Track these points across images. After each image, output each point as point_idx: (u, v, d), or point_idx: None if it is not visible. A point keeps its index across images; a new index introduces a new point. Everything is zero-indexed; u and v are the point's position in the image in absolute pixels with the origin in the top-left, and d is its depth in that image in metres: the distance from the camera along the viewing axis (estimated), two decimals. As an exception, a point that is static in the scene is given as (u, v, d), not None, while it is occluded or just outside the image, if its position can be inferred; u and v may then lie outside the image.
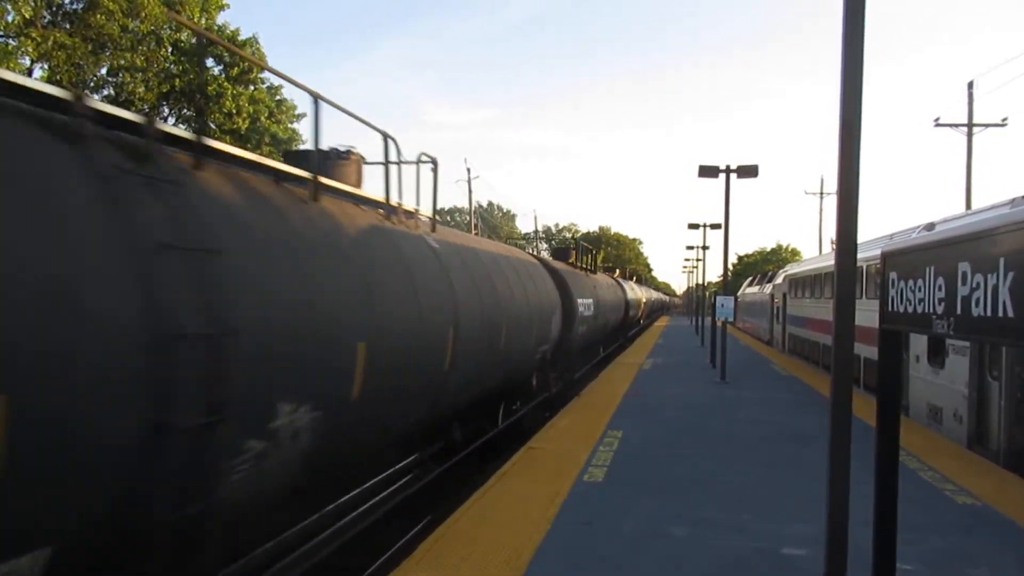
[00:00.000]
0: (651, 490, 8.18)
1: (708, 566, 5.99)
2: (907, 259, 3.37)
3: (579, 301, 18.52)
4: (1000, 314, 2.44)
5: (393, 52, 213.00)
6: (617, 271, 48.06)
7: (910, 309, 3.24)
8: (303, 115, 33.74)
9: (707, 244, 35.22)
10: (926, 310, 3.05)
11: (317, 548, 7.03)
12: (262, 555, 6.24)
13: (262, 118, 30.77)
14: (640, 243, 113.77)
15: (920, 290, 3.11)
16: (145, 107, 28.62)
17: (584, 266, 24.09)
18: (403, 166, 8.38)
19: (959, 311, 2.74)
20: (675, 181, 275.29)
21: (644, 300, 52.03)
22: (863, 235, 4.51)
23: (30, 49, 22.21)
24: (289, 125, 32.95)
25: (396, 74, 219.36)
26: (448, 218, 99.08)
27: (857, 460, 4.23)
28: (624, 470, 9.07)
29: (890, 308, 3.54)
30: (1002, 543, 6.67)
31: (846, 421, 4.43)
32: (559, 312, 16.11)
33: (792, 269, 30.86)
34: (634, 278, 61.75)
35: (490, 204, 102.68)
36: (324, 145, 7.08)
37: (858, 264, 4.56)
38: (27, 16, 22.32)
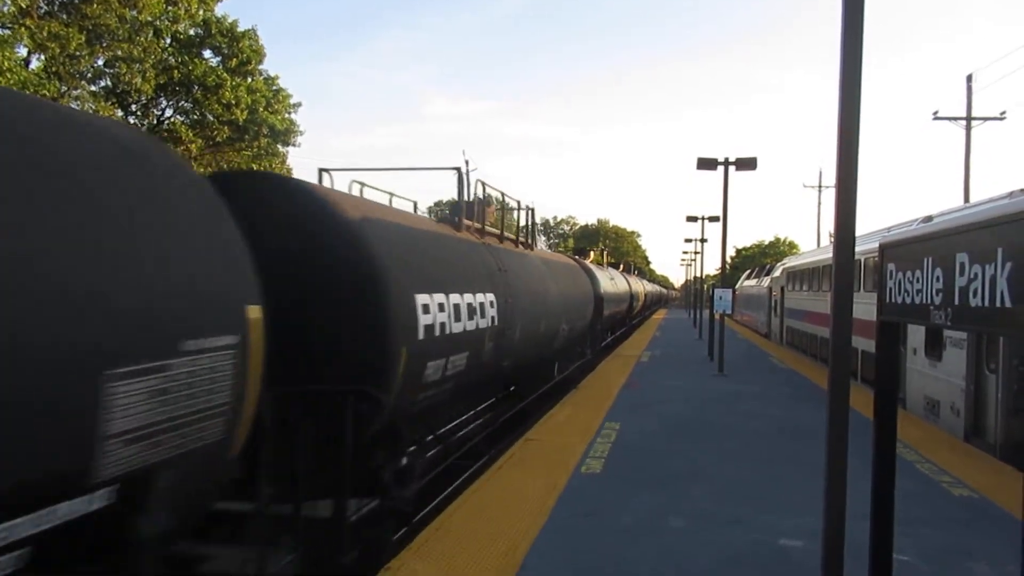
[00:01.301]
0: (649, 483, 8.20)
1: (706, 558, 6.00)
2: (905, 250, 3.37)
3: (422, 301, 7.37)
4: (998, 304, 2.44)
5: (392, 44, 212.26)
6: (592, 255, 36.11)
7: (908, 300, 3.23)
8: (299, 104, 33.65)
9: (705, 237, 35.29)
10: (924, 301, 3.05)
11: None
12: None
13: (260, 109, 30.67)
14: (638, 236, 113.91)
15: (918, 281, 3.10)
16: (142, 98, 28.56)
17: (504, 233, 12.95)
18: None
19: (957, 302, 2.73)
20: (674, 174, 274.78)
21: (643, 292, 49.24)
22: (861, 228, 4.50)
23: (25, 39, 22.10)
24: (286, 115, 32.84)
25: (395, 66, 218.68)
26: (447, 210, 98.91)
27: (854, 453, 4.23)
28: (622, 463, 9.09)
29: (888, 299, 3.54)
30: (999, 535, 6.69)
31: (844, 414, 4.44)
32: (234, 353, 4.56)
33: (790, 262, 30.89)
34: (620, 266, 49.86)
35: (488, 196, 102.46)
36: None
37: (856, 257, 4.56)
38: (23, 6, 22.21)
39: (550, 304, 14.19)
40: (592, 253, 34.99)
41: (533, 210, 15.47)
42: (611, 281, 28.93)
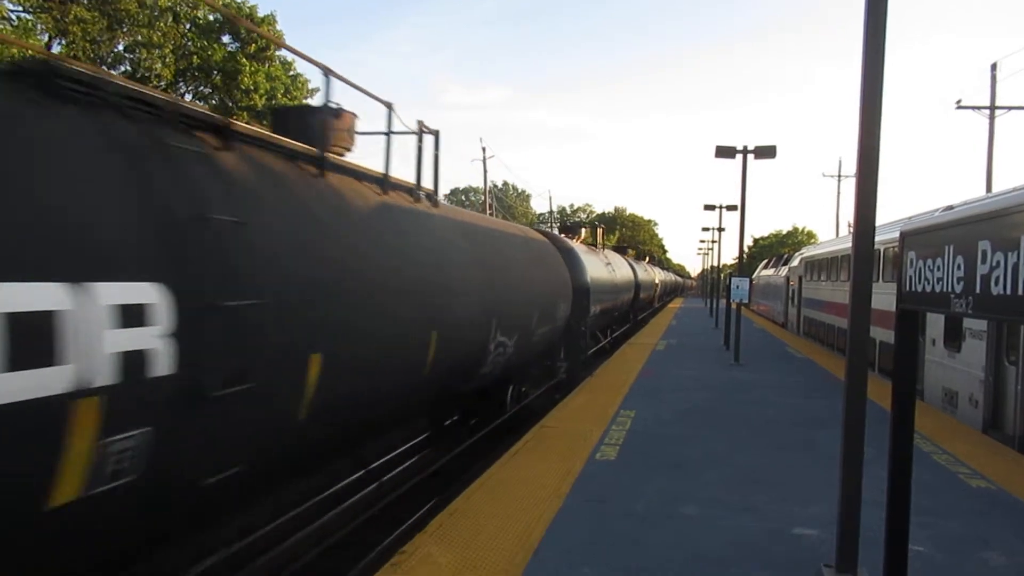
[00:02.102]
0: (663, 469, 8.21)
1: (720, 545, 6.01)
2: (926, 238, 3.34)
3: None
4: (1020, 292, 2.42)
5: (408, 33, 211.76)
6: (583, 232, 26.54)
7: (928, 288, 3.21)
8: (316, 90, 33.69)
9: (723, 226, 34.98)
10: (944, 289, 3.02)
11: (330, 524, 7.13)
12: (273, 531, 6.33)
13: (278, 95, 30.76)
14: (655, 224, 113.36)
15: (939, 269, 3.08)
16: (162, 84, 28.71)
17: (332, 155, 6.83)
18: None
19: (978, 290, 2.71)
20: (692, 163, 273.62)
21: (656, 282, 47.89)
22: (881, 218, 4.47)
23: (49, 24, 22.27)
24: (303, 100, 32.90)
25: (411, 54, 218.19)
26: (463, 198, 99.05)
27: (869, 442, 4.22)
28: (637, 449, 9.10)
29: (908, 288, 3.52)
30: (1016, 526, 6.64)
31: (860, 404, 4.43)
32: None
33: (808, 252, 30.65)
34: (634, 252, 43.76)
35: (505, 184, 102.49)
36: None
37: (875, 247, 4.53)
38: (46, -9, 22.37)
39: (460, 302, 8.42)
40: (584, 230, 26.39)
41: (437, 134, 8.75)
42: (606, 267, 23.17)
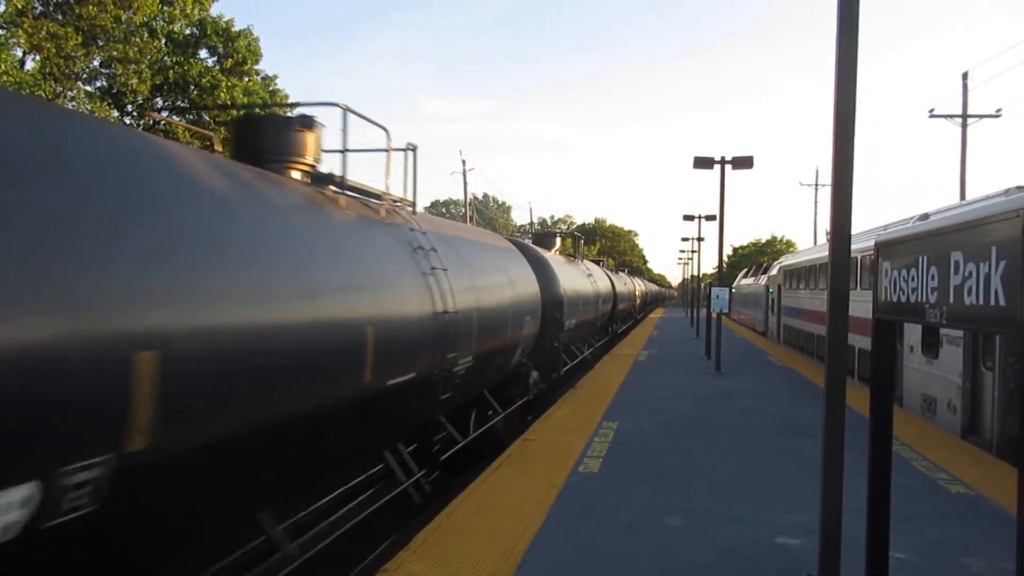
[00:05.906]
0: (647, 480, 8.21)
1: (703, 555, 6.02)
2: (900, 249, 3.38)
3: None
4: (992, 303, 2.46)
5: (388, 44, 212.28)
6: (557, 241, 23.57)
7: (903, 299, 3.25)
8: (297, 105, 33.51)
9: (702, 236, 35.23)
10: (919, 299, 3.06)
11: (313, 540, 7.06)
12: (258, 545, 6.25)
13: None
14: (636, 235, 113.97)
15: (913, 279, 3.12)
16: (138, 99, 28.50)
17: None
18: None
19: (952, 300, 2.75)
20: (672, 173, 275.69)
21: (639, 292, 49.88)
22: (858, 227, 4.52)
23: (22, 40, 22.06)
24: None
25: (391, 66, 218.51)
26: (443, 210, 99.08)
27: (851, 450, 4.25)
28: (620, 461, 9.10)
29: (884, 298, 3.56)
30: (995, 531, 6.71)
31: (840, 411, 4.46)
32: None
33: (787, 260, 30.93)
34: (603, 262, 41.87)
35: (485, 196, 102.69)
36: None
37: (852, 255, 4.58)
38: (19, 6, 22.15)
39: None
40: (558, 239, 23.61)
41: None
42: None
